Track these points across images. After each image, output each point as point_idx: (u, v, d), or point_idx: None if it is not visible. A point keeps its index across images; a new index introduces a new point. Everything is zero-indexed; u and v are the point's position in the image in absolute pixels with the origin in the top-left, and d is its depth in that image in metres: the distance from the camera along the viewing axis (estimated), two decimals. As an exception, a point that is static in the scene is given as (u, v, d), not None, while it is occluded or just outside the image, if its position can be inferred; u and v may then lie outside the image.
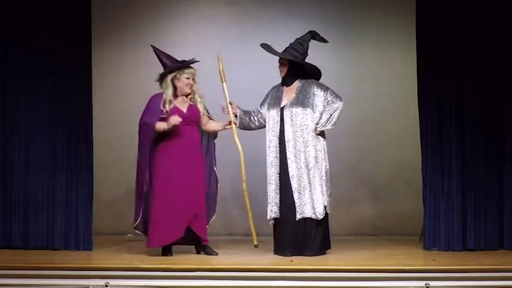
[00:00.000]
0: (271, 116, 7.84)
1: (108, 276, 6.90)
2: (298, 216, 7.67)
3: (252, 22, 9.48)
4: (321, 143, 7.80)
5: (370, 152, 9.45)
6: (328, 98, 7.78)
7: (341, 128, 8.98)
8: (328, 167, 7.80)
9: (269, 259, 7.54)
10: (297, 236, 7.68)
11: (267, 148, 7.83)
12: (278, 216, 7.76)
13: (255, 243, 7.71)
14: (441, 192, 7.94)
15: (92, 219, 8.02)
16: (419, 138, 8.04)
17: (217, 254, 7.72)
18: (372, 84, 9.48)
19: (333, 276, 6.86)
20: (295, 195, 7.68)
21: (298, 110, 7.74)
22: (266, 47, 7.91)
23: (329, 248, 7.86)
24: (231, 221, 9.31)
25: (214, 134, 7.95)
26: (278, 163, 7.77)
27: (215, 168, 7.89)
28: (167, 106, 7.65)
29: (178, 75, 7.70)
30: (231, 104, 7.85)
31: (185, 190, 7.60)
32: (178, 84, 7.70)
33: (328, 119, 7.76)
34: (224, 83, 7.82)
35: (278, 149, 7.78)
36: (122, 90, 9.54)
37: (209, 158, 7.90)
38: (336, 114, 7.78)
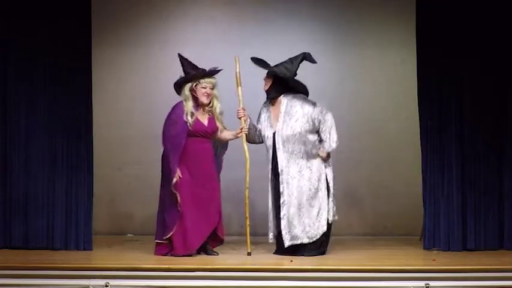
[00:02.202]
0: (266, 141, 7.81)
1: (108, 276, 6.90)
2: (287, 243, 7.66)
3: (252, 22, 9.47)
4: (322, 164, 7.78)
5: (370, 152, 9.45)
6: (319, 118, 7.68)
7: (341, 128, 8.94)
8: (331, 183, 7.78)
9: (269, 259, 7.54)
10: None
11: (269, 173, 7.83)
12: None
13: (249, 250, 7.71)
14: (441, 192, 7.94)
15: (92, 219, 8.01)
16: (419, 138, 8.04)
17: (217, 254, 7.72)
18: (372, 84, 9.48)
19: (332, 276, 6.86)
20: (283, 223, 7.67)
21: (288, 136, 7.68)
22: (257, 61, 7.81)
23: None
24: (231, 222, 9.29)
25: (225, 144, 7.94)
26: (273, 187, 7.78)
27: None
28: (189, 118, 7.61)
29: (195, 85, 7.67)
30: (243, 110, 7.81)
31: (205, 200, 7.65)
32: (196, 94, 7.68)
33: (329, 139, 7.71)
34: (239, 87, 7.78)
35: (273, 176, 7.79)
36: (122, 90, 9.53)
37: (217, 167, 7.89)
38: (333, 131, 7.72)
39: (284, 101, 7.75)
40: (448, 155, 7.94)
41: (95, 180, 8.10)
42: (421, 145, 8.02)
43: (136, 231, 9.21)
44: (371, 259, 7.47)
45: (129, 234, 9.21)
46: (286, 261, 7.33)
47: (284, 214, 7.66)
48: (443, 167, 7.94)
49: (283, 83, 7.77)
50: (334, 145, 7.73)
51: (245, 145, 7.74)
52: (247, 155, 7.71)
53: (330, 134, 7.72)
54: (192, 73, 7.65)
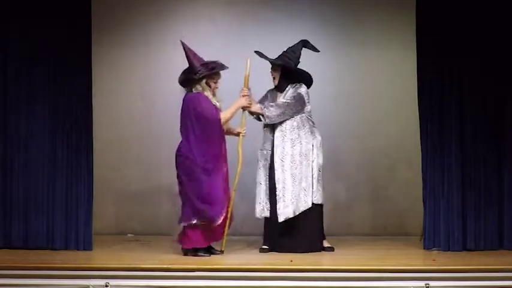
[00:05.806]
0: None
1: (108, 276, 6.91)
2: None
3: (252, 22, 9.47)
4: (316, 139, 7.90)
5: (370, 152, 9.44)
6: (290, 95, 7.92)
7: (341, 128, 8.99)
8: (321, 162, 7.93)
9: (269, 259, 7.54)
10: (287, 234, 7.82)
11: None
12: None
13: (222, 249, 7.71)
14: (441, 192, 7.94)
15: (92, 219, 8.01)
16: (419, 138, 8.04)
17: (219, 252, 7.69)
18: (371, 84, 9.48)
19: (332, 277, 6.86)
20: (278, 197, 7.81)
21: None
22: (260, 54, 7.96)
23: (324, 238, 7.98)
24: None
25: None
26: (268, 166, 7.90)
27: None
28: (217, 104, 7.70)
29: (209, 80, 7.72)
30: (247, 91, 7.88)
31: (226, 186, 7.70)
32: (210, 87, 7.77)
33: (271, 107, 7.88)
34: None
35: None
36: (122, 90, 9.53)
37: None
38: (279, 111, 7.86)
39: (289, 88, 7.97)
40: (448, 155, 7.94)
41: (95, 180, 8.11)
42: (421, 145, 8.01)
43: (137, 231, 9.22)
44: (371, 259, 7.47)
45: (129, 234, 9.21)
46: (286, 261, 7.33)
47: (279, 189, 7.83)
48: (443, 167, 7.94)
49: (289, 73, 7.94)
50: (267, 114, 7.86)
51: (240, 148, 7.76)
52: (240, 159, 7.72)
53: (277, 105, 7.86)
54: (204, 71, 7.65)
